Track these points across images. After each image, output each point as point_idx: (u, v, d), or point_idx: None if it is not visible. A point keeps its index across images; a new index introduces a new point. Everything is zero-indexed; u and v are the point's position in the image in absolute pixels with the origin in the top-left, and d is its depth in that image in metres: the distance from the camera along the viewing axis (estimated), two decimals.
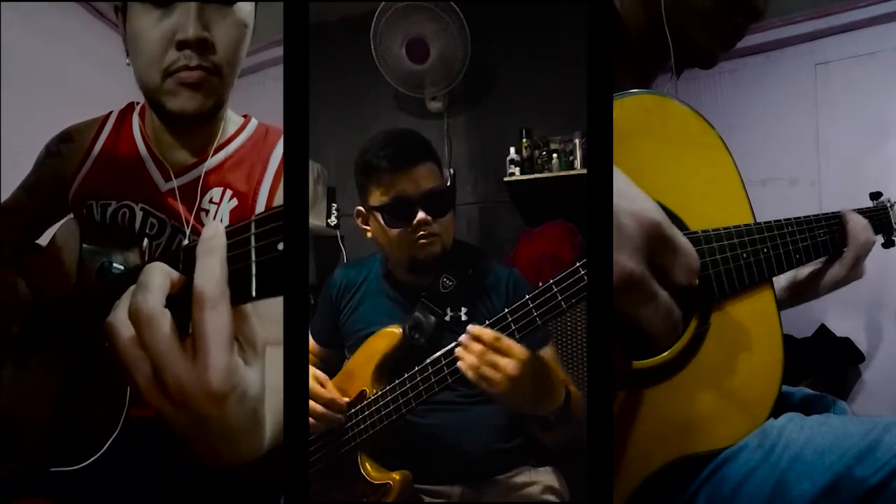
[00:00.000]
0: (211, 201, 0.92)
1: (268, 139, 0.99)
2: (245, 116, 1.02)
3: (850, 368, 2.55)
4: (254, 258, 0.46)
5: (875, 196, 1.04)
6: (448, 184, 1.17)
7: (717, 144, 0.74)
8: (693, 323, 0.71)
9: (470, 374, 0.87)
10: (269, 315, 0.86)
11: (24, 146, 1.11)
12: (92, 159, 0.99)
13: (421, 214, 1.08)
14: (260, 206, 0.91)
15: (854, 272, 0.93)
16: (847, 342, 2.52)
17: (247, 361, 0.47)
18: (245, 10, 0.84)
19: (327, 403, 1.03)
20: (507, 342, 0.85)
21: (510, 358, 0.84)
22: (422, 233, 1.09)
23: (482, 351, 0.85)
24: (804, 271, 1.01)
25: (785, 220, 0.81)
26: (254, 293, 0.46)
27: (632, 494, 0.67)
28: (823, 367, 2.47)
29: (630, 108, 0.68)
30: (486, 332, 0.86)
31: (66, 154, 1.01)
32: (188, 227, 0.91)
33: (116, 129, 1.01)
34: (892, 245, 1.04)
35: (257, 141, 0.98)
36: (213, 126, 0.94)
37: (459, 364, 0.88)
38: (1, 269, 0.94)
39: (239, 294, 0.47)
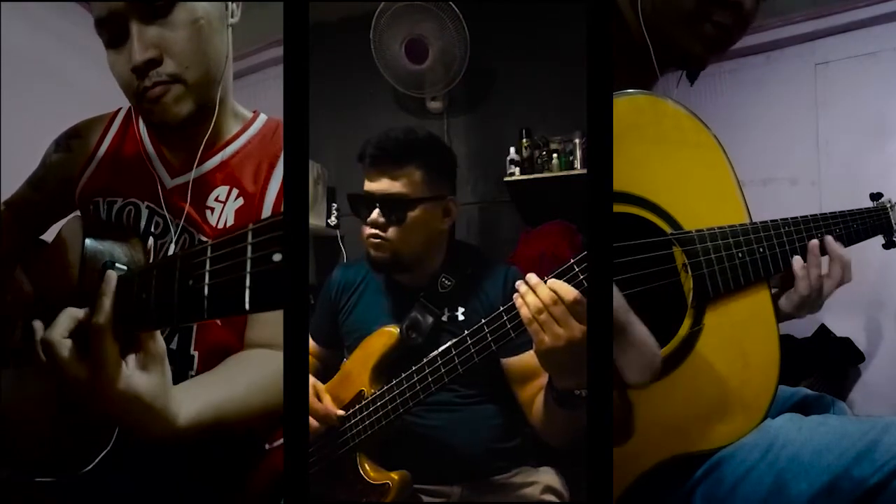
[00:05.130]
0: (217, 200, 0.92)
1: (277, 134, 0.98)
2: (254, 112, 1.02)
3: (850, 368, 2.54)
4: (249, 270, 0.46)
5: (875, 197, 1.03)
6: (440, 197, 1.14)
7: (711, 144, 0.74)
8: (686, 323, 0.71)
9: (526, 312, 0.82)
10: (269, 318, 0.86)
11: (25, 146, 1.11)
12: (99, 156, 0.99)
13: (374, 214, 1.09)
14: (267, 207, 0.91)
15: (806, 311, 0.84)
16: (847, 342, 2.52)
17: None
18: (189, 6, 0.83)
19: (322, 419, 1.04)
20: (584, 309, 0.80)
21: (582, 324, 0.80)
22: (370, 232, 1.10)
23: (553, 300, 0.80)
24: None
25: (782, 219, 0.81)
26: (247, 306, 0.46)
27: (624, 493, 0.67)
28: (823, 367, 2.47)
29: (624, 108, 0.68)
30: (571, 291, 0.80)
31: (75, 150, 1.01)
32: (180, 224, 0.90)
33: (124, 127, 1.01)
34: (893, 246, 1.04)
35: (265, 136, 0.98)
36: (209, 126, 0.94)
37: (518, 300, 0.84)
38: (5, 266, 0.94)
39: (232, 306, 0.47)
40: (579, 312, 0.80)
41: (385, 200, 1.09)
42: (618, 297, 0.46)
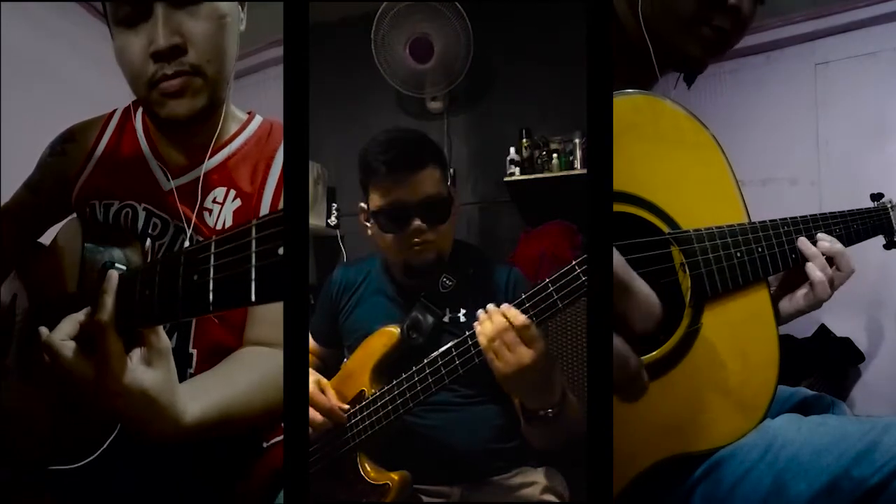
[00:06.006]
0: (214, 201, 0.91)
1: (272, 136, 0.98)
2: (249, 113, 1.01)
3: (850, 368, 2.55)
4: (254, 263, 0.47)
5: (876, 197, 1.03)
6: (449, 185, 1.16)
7: (709, 144, 0.74)
8: (684, 322, 0.71)
9: (483, 341, 0.86)
10: (268, 317, 0.86)
11: (25, 146, 1.11)
12: (95, 159, 0.98)
13: (416, 222, 1.07)
14: (265, 207, 0.91)
15: (820, 302, 0.84)
16: (847, 342, 2.52)
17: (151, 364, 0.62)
18: (216, 4, 0.83)
19: (327, 413, 1.03)
20: (534, 334, 0.83)
21: (530, 349, 0.83)
22: (416, 240, 1.09)
23: (505, 328, 0.84)
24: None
25: (780, 219, 0.81)
26: (253, 298, 0.47)
27: (622, 493, 0.67)
28: (823, 367, 2.47)
29: (622, 108, 0.68)
30: (519, 316, 0.84)
31: (70, 153, 1.00)
32: (189, 227, 0.90)
33: (120, 128, 1.00)
34: (893, 246, 1.04)
35: (261, 138, 0.98)
36: (212, 125, 0.94)
37: (477, 328, 0.88)
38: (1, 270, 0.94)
39: (238, 298, 0.47)
40: (529, 338, 0.83)
41: (424, 205, 1.07)
42: (617, 257, 0.51)
